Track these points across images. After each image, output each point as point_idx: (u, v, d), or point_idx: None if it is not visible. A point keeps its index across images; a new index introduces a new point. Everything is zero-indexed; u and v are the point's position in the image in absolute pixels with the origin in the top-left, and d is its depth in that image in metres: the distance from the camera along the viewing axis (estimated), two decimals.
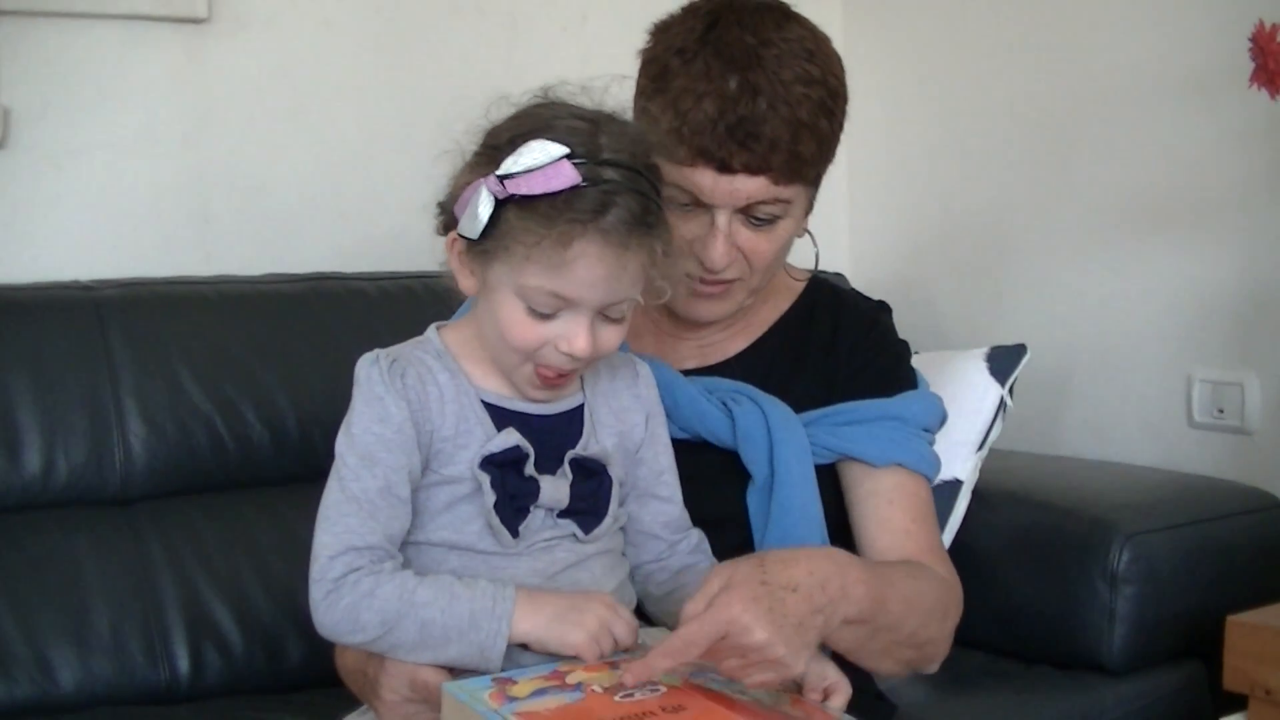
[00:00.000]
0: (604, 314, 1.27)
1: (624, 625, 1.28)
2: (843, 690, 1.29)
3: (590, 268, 1.24)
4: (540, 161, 1.22)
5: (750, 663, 1.22)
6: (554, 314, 1.26)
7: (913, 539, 1.52)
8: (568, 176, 1.22)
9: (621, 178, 1.24)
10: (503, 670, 1.23)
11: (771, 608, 1.22)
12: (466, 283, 1.30)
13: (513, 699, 1.15)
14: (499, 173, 1.23)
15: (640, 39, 1.56)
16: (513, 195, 1.22)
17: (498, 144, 1.26)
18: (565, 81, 1.31)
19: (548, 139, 1.23)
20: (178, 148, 2.25)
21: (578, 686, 1.17)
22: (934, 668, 1.56)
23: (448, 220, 1.30)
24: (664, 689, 1.18)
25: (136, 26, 2.20)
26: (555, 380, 1.30)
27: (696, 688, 1.20)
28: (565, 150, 1.22)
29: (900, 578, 1.44)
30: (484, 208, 1.23)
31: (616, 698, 1.16)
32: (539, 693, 1.16)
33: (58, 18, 2.14)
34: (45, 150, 2.15)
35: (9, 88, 2.11)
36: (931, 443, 1.59)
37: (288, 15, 2.33)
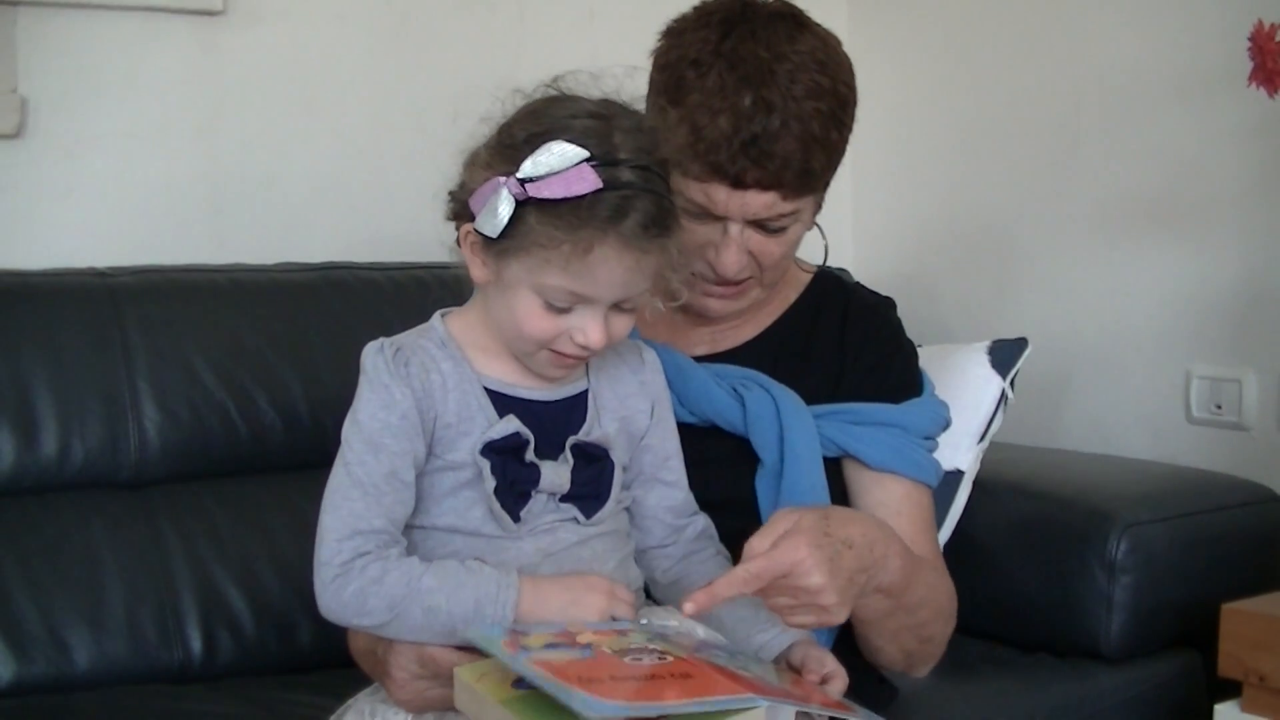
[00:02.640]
0: (616, 305, 1.31)
1: (625, 607, 1.31)
2: (840, 678, 1.33)
3: (609, 270, 1.26)
4: (560, 165, 1.24)
5: (799, 604, 1.29)
6: (570, 308, 1.28)
7: (917, 549, 1.56)
8: (588, 181, 1.23)
9: (637, 179, 1.26)
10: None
11: (831, 557, 1.29)
12: (479, 273, 1.31)
13: (527, 649, 1.18)
14: (520, 176, 1.24)
15: (647, 35, 1.57)
16: (532, 198, 1.24)
17: (514, 142, 1.27)
18: (577, 70, 1.33)
19: (565, 140, 1.24)
20: (192, 138, 2.27)
21: (588, 647, 1.20)
22: (924, 671, 1.62)
23: (460, 210, 1.32)
24: (671, 659, 1.20)
25: (152, 18, 2.22)
26: (571, 361, 1.34)
27: (701, 660, 1.22)
28: (585, 154, 1.24)
29: (926, 569, 1.53)
30: (504, 209, 1.25)
31: (625, 660, 1.18)
32: (551, 647, 1.18)
33: (75, 9, 2.16)
34: (62, 140, 2.17)
35: (26, 78, 2.13)
36: (932, 449, 1.62)
37: (301, 8, 2.35)
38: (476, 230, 1.27)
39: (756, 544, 1.29)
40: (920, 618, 1.54)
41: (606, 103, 1.31)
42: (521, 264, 1.27)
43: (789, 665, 1.35)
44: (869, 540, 1.37)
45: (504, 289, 1.30)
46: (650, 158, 1.28)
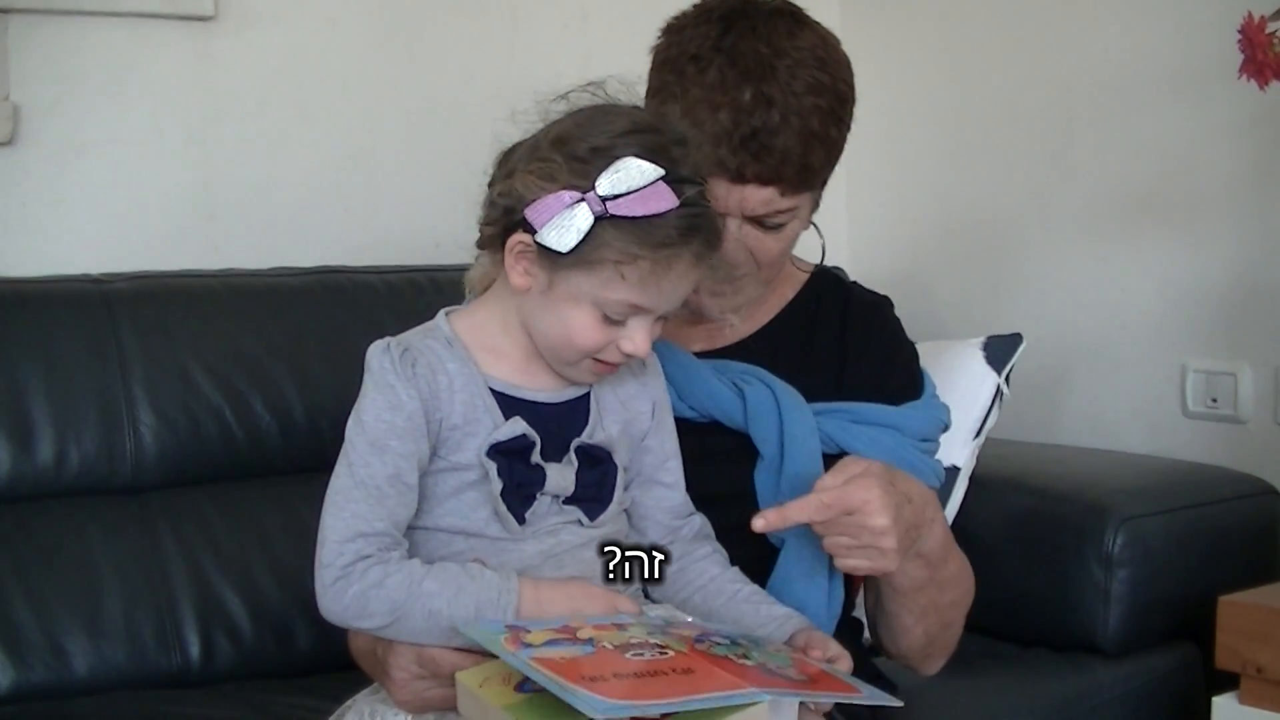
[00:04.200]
0: (660, 315, 1.33)
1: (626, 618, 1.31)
2: (845, 659, 1.34)
3: (677, 285, 1.29)
4: (640, 183, 1.25)
5: (860, 544, 1.35)
6: (624, 320, 1.30)
7: None
8: (668, 200, 1.25)
9: (698, 197, 1.28)
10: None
11: (897, 503, 1.35)
12: (521, 281, 1.30)
13: (528, 645, 1.18)
14: (601, 192, 1.25)
15: (640, 37, 1.57)
16: (612, 214, 1.25)
17: (579, 155, 1.27)
18: (612, 76, 1.34)
19: (634, 155, 1.26)
20: (185, 143, 2.27)
21: (589, 642, 1.20)
22: (935, 666, 1.64)
23: (500, 216, 1.31)
24: (672, 653, 1.20)
25: (144, 24, 2.23)
26: (612, 370, 1.35)
27: (702, 653, 1.22)
28: (662, 172, 1.25)
29: (959, 552, 1.57)
30: (583, 225, 1.25)
31: (627, 655, 1.18)
32: (552, 643, 1.18)
33: (67, 15, 2.16)
34: (55, 146, 2.17)
35: (19, 85, 2.13)
36: (930, 452, 1.63)
37: (293, 13, 2.36)
38: (537, 242, 1.27)
39: (829, 480, 1.34)
40: (949, 597, 1.56)
41: (654, 118, 1.33)
42: (589, 278, 1.27)
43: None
44: (923, 500, 1.44)
45: (555, 300, 1.30)
46: (700, 174, 1.30)
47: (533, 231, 1.27)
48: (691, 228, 1.27)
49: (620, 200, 1.24)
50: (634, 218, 1.24)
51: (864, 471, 1.35)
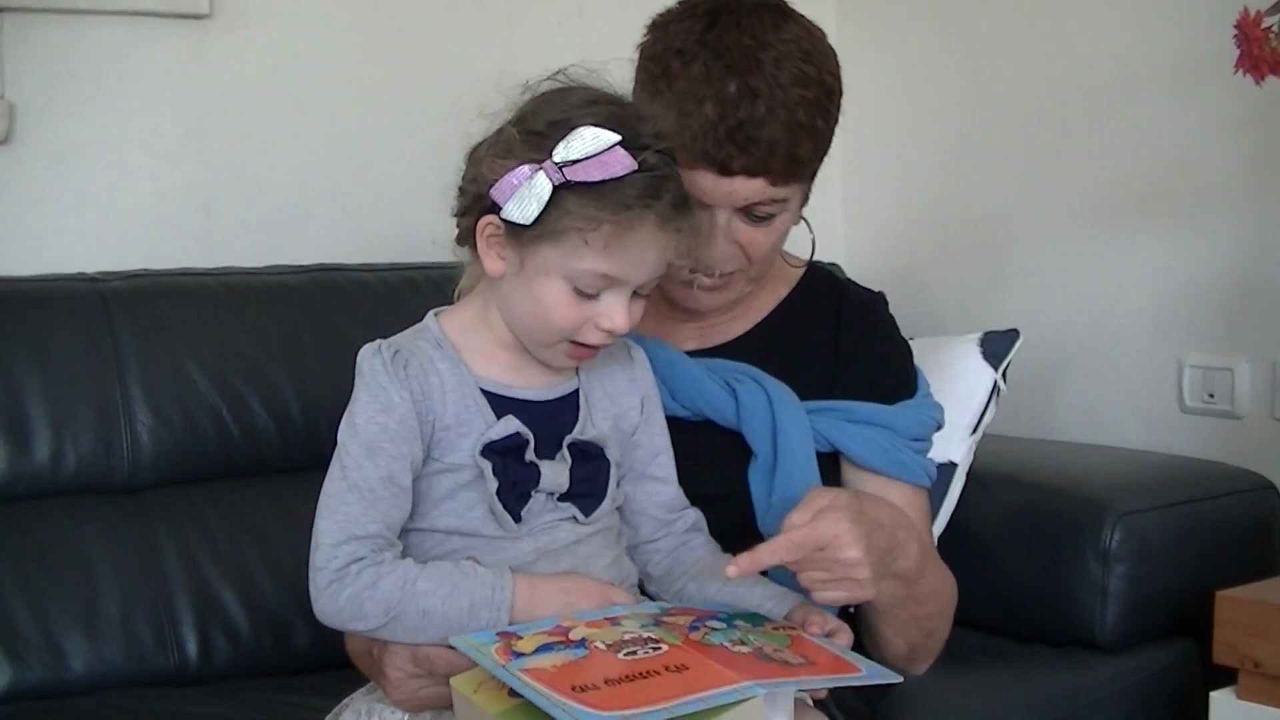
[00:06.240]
0: (636, 290, 1.32)
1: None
2: (845, 633, 1.36)
3: (645, 250, 1.28)
4: (596, 148, 1.25)
5: (834, 577, 1.33)
6: (597, 294, 1.30)
7: None
8: (625, 163, 1.26)
9: (662, 162, 1.29)
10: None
11: (867, 533, 1.34)
12: (495, 265, 1.31)
13: (519, 654, 1.17)
14: (556, 160, 1.25)
15: (636, 33, 1.58)
16: (569, 181, 1.25)
17: (537, 129, 1.28)
18: (576, 64, 1.34)
19: (590, 124, 1.26)
20: (181, 142, 2.27)
21: (581, 643, 1.20)
22: (923, 668, 1.65)
23: (471, 204, 1.32)
24: (666, 647, 1.20)
25: (140, 22, 2.22)
26: (589, 353, 1.35)
27: (696, 645, 1.22)
28: (617, 138, 1.26)
29: (937, 562, 1.58)
30: (542, 193, 1.25)
31: (620, 655, 1.18)
32: (544, 648, 1.18)
33: (62, 14, 2.16)
34: (50, 145, 2.16)
35: (14, 83, 2.13)
36: (923, 451, 1.63)
37: (288, 10, 2.35)
38: (503, 219, 1.28)
39: (796, 518, 1.33)
40: (928, 609, 1.57)
41: (616, 95, 1.34)
42: (555, 249, 1.28)
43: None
44: (894, 523, 1.43)
45: (528, 279, 1.30)
46: (665, 142, 1.30)
47: (499, 211, 1.28)
48: (651, 189, 1.27)
49: (577, 166, 1.25)
50: (593, 183, 1.25)
51: (831, 504, 1.34)
